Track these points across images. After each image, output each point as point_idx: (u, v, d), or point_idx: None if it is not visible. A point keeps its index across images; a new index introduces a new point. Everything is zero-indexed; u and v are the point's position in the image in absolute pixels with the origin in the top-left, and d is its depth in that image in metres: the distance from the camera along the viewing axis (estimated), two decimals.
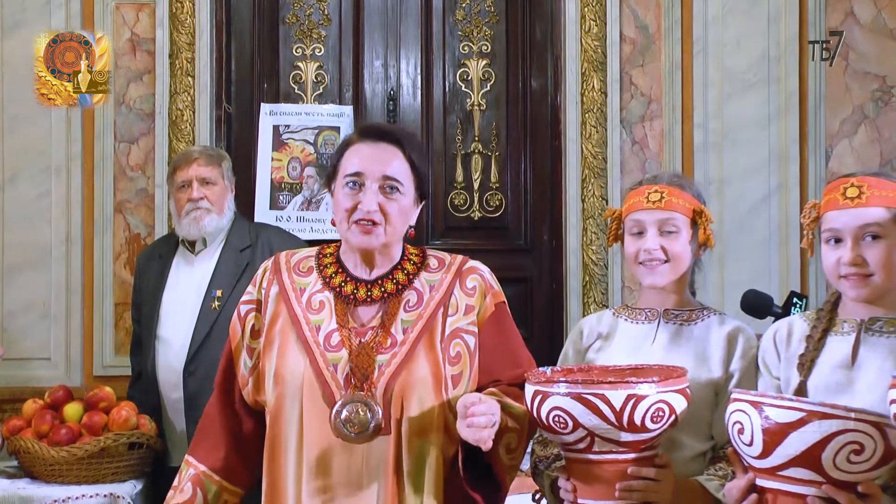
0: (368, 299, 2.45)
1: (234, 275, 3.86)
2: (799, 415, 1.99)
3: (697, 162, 4.53)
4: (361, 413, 2.32)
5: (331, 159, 2.54)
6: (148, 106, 4.55)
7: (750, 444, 2.05)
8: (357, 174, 2.42)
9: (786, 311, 3.11)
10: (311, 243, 4.13)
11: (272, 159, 4.69)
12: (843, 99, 4.51)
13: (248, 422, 2.56)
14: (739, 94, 4.54)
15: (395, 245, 2.49)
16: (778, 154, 4.53)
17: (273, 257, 2.58)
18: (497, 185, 4.74)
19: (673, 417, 2.25)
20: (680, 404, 2.26)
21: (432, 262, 2.51)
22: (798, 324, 2.41)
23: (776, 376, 2.40)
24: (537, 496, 2.57)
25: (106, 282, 4.50)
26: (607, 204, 4.47)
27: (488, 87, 4.75)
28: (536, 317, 4.68)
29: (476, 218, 4.72)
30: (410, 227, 2.51)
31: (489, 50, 4.76)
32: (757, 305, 3.16)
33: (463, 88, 4.76)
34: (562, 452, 2.35)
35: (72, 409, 3.70)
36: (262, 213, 4.63)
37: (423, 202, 2.55)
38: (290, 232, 4.26)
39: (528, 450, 2.54)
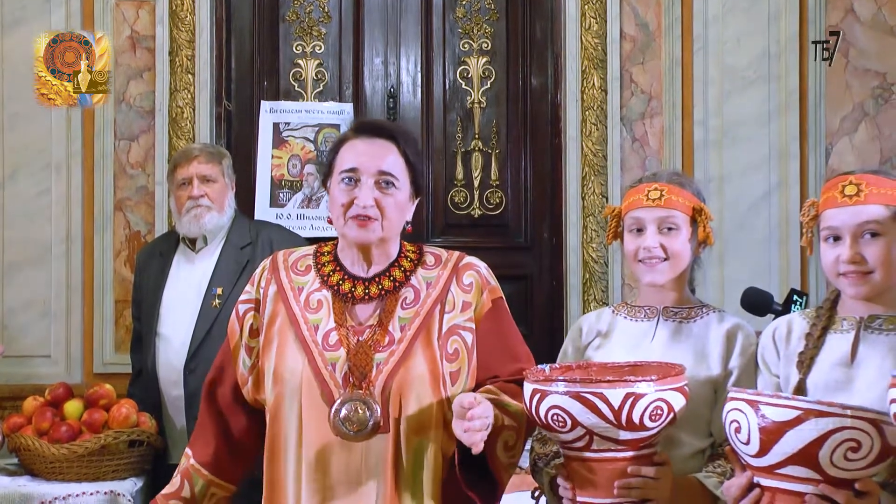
0: (366, 297, 2.45)
1: (234, 272, 3.86)
2: (795, 413, 1.99)
3: (697, 159, 4.53)
4: (360, 411, 2.33)
5: (326, 156, 2.55)
6: (148, 103, 4.55)
7: (747, 443, 2.05)
8: (352, 170, 2.42)
9: (786, 308, 3.11)
10: (311, 241, 4.13)
11: (272, 157, 4.69)
12: (843, 96, 4.50)
13: (239, 420, 2.57)
14: (740, 91, 4.54)
15: (391, 241, 2.49)
16: (778, 151, 4.53)
17: (271, 256, 2.59)
18: (497, 182, 4.74)
19: (671, 415, 2.25)
20: (678, 402, 2.26)
21: (429, 259, 2.52)
22: (797, 322, 2.41)
23: (775, 374, 2.40)
24: (536, 493, 2.57)
25: (106, 279, 4.50)
26: (607, 201, 4.47)
27: (488, 85, 4.75)
28: (536, 314, 4.68)
29: (476, 215, 4.72)
30: (407, 222, 2.52)
31: (489, 47, 4.76)
32: (757, 303, 3.16)
33: (463, 86, 4.76)
34: (560, 450, 2.35)
35: (72, 407, 3.70)
36: (263, 210, 4.63)
37: (420, 198, 2.55)
38: (291, 229, 4.26)
39: (528, 447, 2.55)
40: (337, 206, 2.44)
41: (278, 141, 4.69)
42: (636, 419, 2.19)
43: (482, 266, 2.53)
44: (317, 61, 4.75)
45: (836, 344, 2.31)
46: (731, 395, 2.12)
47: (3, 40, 4.51)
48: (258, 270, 2.57)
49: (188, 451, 2.62)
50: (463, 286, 2.47)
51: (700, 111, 4.55)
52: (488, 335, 2.46)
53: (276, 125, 4.69)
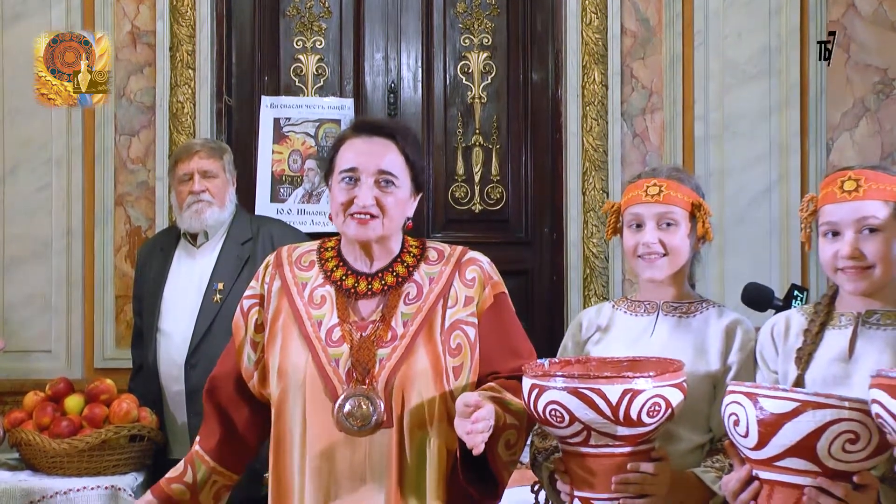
0: (369, 292, 2.46)
1: (235, 267, 3.86)
2: (793, 405, 1.99)
3: (698, 154, 4.53)
4: (363, 407, 2.34)
5: (327, 154, 2.56)
6: (148, 99, 4.55)
7: (746, 436, 2.06)
8: (352, 169, 2.44)
9: (787, 303, 3.11)
10: (312, 236, 4.15)
11: (273, 152, 4.69)
12: (844, 91, 4.50)
13: (242, 413, 2.59)
14: (740, 86, 4.54)
15: (393, 237, 2.50)
16: (779, 146, 4.52)
17: (275, 252, 2.60)
18: (498, 177, 4.74)
19: (669, 411, 2.25)
20: (676, 398, 2.26)
21: (432, 254, 2.52)
22: (795, 318, 2.41)
23: (774, 370, 2.40)
24: (535, 488, 2.57)
25: (107, 274, 4.51)
26: (608, 197, 4.47)
27: (489, 80, 4.75)
28: (537, 309, 4.68)
29: (477, 211, 4.72)
30: (408, 219, 2.53)
31: (490, 43, 4.75)
32: (758, 298, 3.16)
33: (464, 81, 4.75)
34: (559, 445, 2.36)
35: (73, 402, 3.71)
36: (263, 205, 4.63)
37: (420, 194, 2.56)
38: (291, 225, 4.26)
39: (528, 442, 2.55)
40: (337, 205, 2.45)
41: (279, 136, 4.69)
42: (634, 415, 2.19)
43: (485, 261, 2.54)
44: (317, 56, 4.75)
45: (834, 339, 2.31)
46: (729, 387, 2.13)
47: (3, 36, 4.51)
48: (262, 266, 2.58)
49: (198, 437, 2.66)
50: (465, 281, 2.48)
51: (701, 106, 4.55)
52: (490, 330, 2.46)
53: (276, 120, 4.69)
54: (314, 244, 2.60)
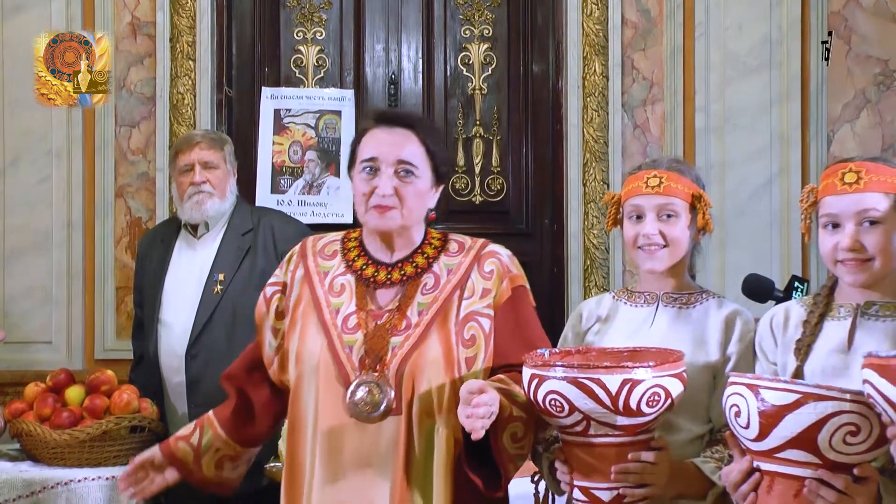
0: (388, 282, 2.49)
1: (236, 258, 3.86)
2: (794, 396, 1.99)
3: (699, 146, 4.53)
4: (374, 393, 2.37)
5: (350, 146, 2.58)
6: (148, 90, 4.55)
7: (747, 427, 2.06)
8: (372, 159, 2.46)
9: (787, 295, 3.11)
10: (312, 227, 4.15)
11: (273, 143, 4.69)
12: (844, 83, 4.49)
13: (259, 395, 2.65)
14: (741, 78, 4.54)
15: (414, 228, 2.52)
16: (779, 138, 4.52)
17: (301, 241, 2.65)
18: (498, 169, 4.74)
19: (669, 401, 2.25)
20: (676, 388, 2.26)
21: (452, 246, 2.54)
22: (795, 309, 2.41)
23: (773, 362, 2.40)
24: (536, 478, 2.58)
25: (107, 266, 4.51)
26: (608, 188, 4.47)
27: (490, 72, 4.75)
28: (537, 301, 4.58)
29: (477, 202, 4.72)
30: (430, 210, 2.55)
31: (490, 34, 4.75)
32: (758, 290, 3.17)
33: (464, 72, 4.75)
34: (559, 435, 2.36)
35: (73, 393, 3.70)
36: (264, 197, 4.63)
37: (442, 186, 2.58)
38: (292, 216, 4.26)
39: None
40: (358, 195, 2.49)
41: (279, 127, 4.69)
42: (633, 405, 2.20)
43: (505, 254, 2.55)
44: (318, 47, 4.75)
45: (833, 331, 2.31)
46: (731, 379, 2.13)
47: (3, 27, 4.51)
48: (288, 255, 2.63)
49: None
50: (483, 273, 2.49)
51: (701, 98, 4.55)
52: (505, 323, 2.47)
53: (276, 111, 4.69)
54: (339, 235, 2.63)
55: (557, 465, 2.35)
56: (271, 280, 2.63)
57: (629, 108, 4.57)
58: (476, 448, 2.32)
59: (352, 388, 2.38)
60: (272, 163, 4.68)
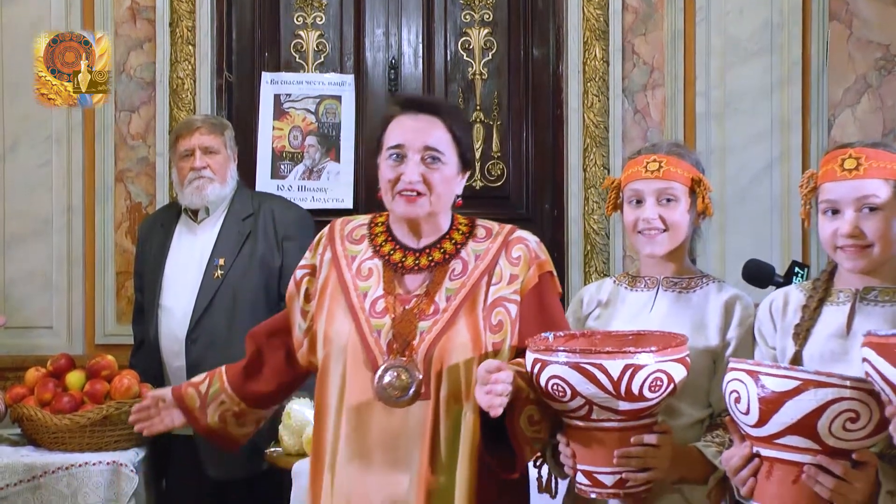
0: (416, 267, 2.50)
1: (236, 243, 3.87)
2: (795, 383, 1.99)
3: (699, 131, 4.52)
4: (403, 378, 2.39)
5: (376, 132, 2.59)
6: (148, 74, 4.54)
7: (747, 413, 2.06)
8: (398, 146, 2.47)
9: (787, 280, 3.11)
10: (312, 212, 4.15)
11: (273, 128, 4.68)
12: (846, 68, 4.48)
13: (274, 357, 2.70)
14: (742, 62, 4.52)
15: (441, 215, 2.53)
16: (780, 123, 4.51)
17: (329, 224, 2.66)
18: (498, 154, 4.73)
19: (672, 386, 2.25)
20: (679, 373, 2.26)
21: (480, 232, 2.55)
22: (794, 294, 2.42)
23: (772, 346, 2.41)
24: (538, 462, 2.58)
25: (107, 251, 4.51)
26: (609, 173, 4.46)
27: (490, 56, 4.73)
28: None
29: (477, 187, 4.71)
30: (457, 196, 2.56)
31: (491, 18, 4.73)
32: (758, 275, 3.17)
33: (464, 57, 4.74)
34: (562, 419, 2.36)
35: (74, 378, 3.71)
36: (264, 182, 4.63)
37: (469, 172, 2.58)
38: (292, 201, 4.25)
39: None
40: (385, 182, 2.49)
41: (279, 112, 4.68)
42: (635, 390, 2.20)
43: (532, 240, 2.55)
44: (318, 32, 4.74)
45: (832, 315, 2.31)
46: (731, 365, 2.13)
47: (2, 11, 4.49)
48: (317, 238, 2.65)
49: None
50: (511, 259, 2.50)
51: (702, 82, 4.54)
52: (530, 309, 2.48)
53: (276, 96, 4.68)
54: (366, 218, 2.65)
55: (561, 448, 2.35)
56: (301, 263, 2.65)
57: (630, 93, 4.56)
58: (493, 431, 2.34)
59: (380, 372, 2.40)
60: (272, 148, 4.67)
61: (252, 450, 3.66)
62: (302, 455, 3.50)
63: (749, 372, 2.06)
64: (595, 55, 4.53)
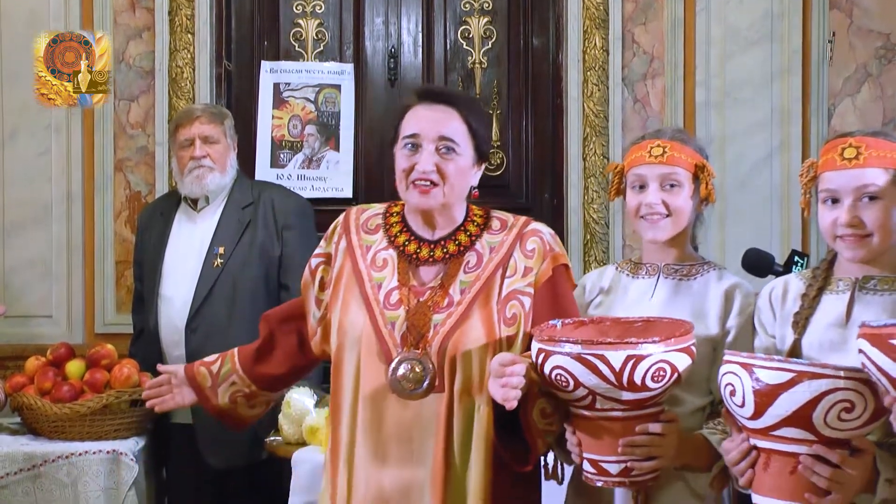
0: (430, 259, 2.50)
1: (236, 232, 3.87)
2: (789, 375, 2.00)
3: (699, 120, 4.51)
4: (417, 370, 2.39)
5: (392, 122, 2.59)
6: (147, 63, 4.53)
7: (742, 406, 2.06)
8: (413, 135, 2.47)
9: (787, 269, 3.11)
10: (312, 201, 4.15)
11: (273, 117, 4.68)
12: (846, 57, 4.48)
13: (287, 340, 2.71)
14: (742, 52, 4.52)
15: (455, 206, 2.52)
16: (780, 112, 4.51)
17: (344, 213, 2.65)
18: (498, 143, 4.72)
19: (675, 376, 2.24)
20: (683, 362, 2.25)
21: (495, 224, 2.54)
22: (794, 282, 2.42)
23: (771, 335, 2.41)
24: None
25: (107, 240, 4.51)
26: (608, 162, 4.46)
27: (489, 45, 4.72)
28: None
29: None
30: (473, 188, 2.55)
31: (490, 7, 4.72)
32: (758, 264, 3.17)
33: (464, 46, 4.73)
34: (568, 408, 2.36)
35: (74, 367, 3.72)
36: (263, 171, 4.63)
37: (485, 164, 2.58)
38: (292, 190, 4.25)
39: None
40: (399, 171, 2.49)
41: (278, 101, 4.68)
42: (638, 380, 2.19)
43: (547, 232, 2.54)
44: (317, 21, 4.73)
45: (832, 304, 2.31)
46: (725, 358, 2.13)
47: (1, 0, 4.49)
48: (332, 227, 2.64)
49: None
50: (525, 251, 2.49)
51: (702, 72, 4.53)
52: (544, 302, 2.47)
53: (276, 85, 4.68)
54: (382, 207, 2.63)
55: (567, 436, 2.35)
56: (317, 251, 2.65)
57: (629, 83, 4.56)
58: (507, 424, 2.34)
59: (394, 364, 2.40)
60: (272, 137, 4.67)
61: (252, 439, 3.67)
62: (301, 444, 3.51)
63: (743, 365, 2.06)
64: (595, 44, 4.52)
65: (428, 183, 2.44)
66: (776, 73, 4.51)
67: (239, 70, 4.72)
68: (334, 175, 4.66)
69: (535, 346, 2.31)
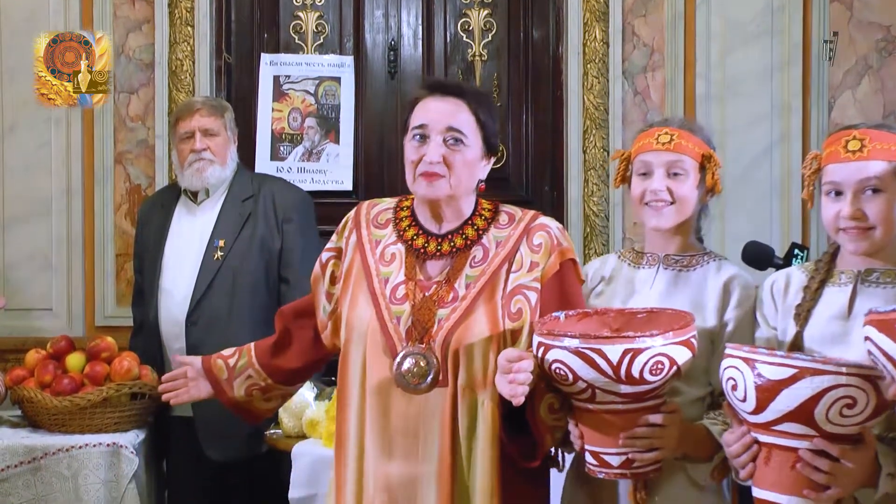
0: (437, 253, 2.50)
1: (236, 225, 3.87)
2: (791, 371, 1.99)
3: (699, 113, 4.51)
4: (421, 365, 2.39)
5: (403, 115, 2.59)
6: (147, 56, 4.53)
7: (743, 400, 2.06)
8: (421, 126, 2.47)
9: (787, 262, 3.11)
10: (312, 194, 4.14)
11: (273, 110, 4.67)
12: (846, 49, 4.47)
13: (302, 334, 2.71)
14: (742, 44, 4.51)
15: (463, 199, 2.52)
16: (780, 105, 4.51)
17: (356, 207, 2.66)
18: (499, 136, 4.71)
19: (675, 369, 2.24)
20: (682, 355, 2.24)
21: (503, 218, 2.54)
22: (796, 275, 2.41)
23: (773, 327, 2.40)
24: None
25: (107, 233, 4.51)
26: (609, 155, 4.45)
27: (489, 38, 4.72)
28: None
29: None
30: (481, 181, 2.55)
31: (490, 0, 4.72)
32: (758, 257, 3.17)
33: (464, 39, 4.73)
34: (571, 400, 2.36)
35: (74, 360, 3.72)
36: (263, 163, 4.62)
37: (494, 158, 2.58)
38: (292, 183, 4.25)
39: None
40: (408, 163, 2.49)
41: (278, 94, 4.67)
42: (636, 374, 2.19)
43: (554, 226, 2.53)
44: (317, 13, 4.72)
45: (834, 297, 2.30)
46: (727, 352, 2.13)
47: None
48: (343, 221, 2.64)
49: None
50: (532, 246, 2.48)
51: (702, 65, 4.53)
52: (551, 297, 2.46)
53: (276, 78, 4.67)
54: (393, 201, 2.63)
55: (570, 428, 2.35)
56: (328, 246, 2.65)
57: (630, 75, 4.56)
58: (514, 419, 2.34)
59: (398, 358, 2.41)
60: (272, 129, 4.67)
61: (252, 432, 3.67)
62: (301, 437, 3.51)
63: (745, 359, 2.06)
64: (595, 37, 4.52)
65: (434, 174, 2.44)
66: (776, 66, 4.51)
67: (239, 63, 4.71)
68: (334, 168, 4.66)
69: (535, 339, 2.31)
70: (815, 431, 2.01)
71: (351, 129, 4.67)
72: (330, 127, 4.67)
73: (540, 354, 2.27)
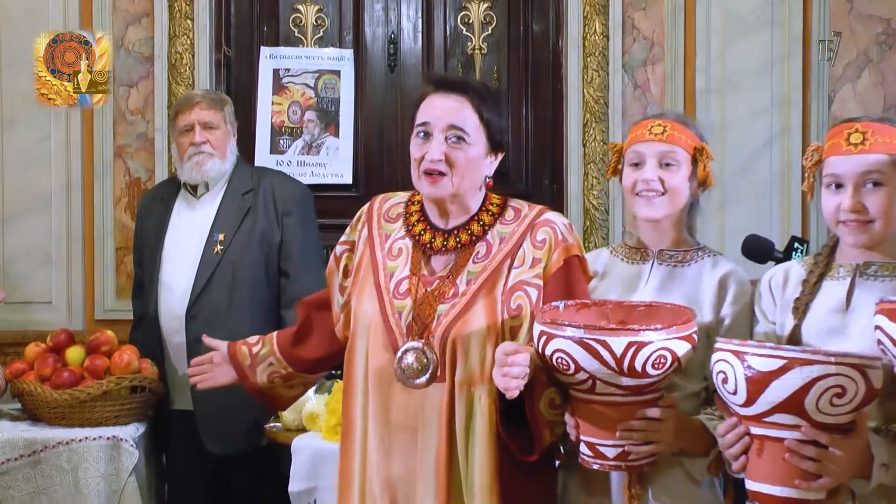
0: (443, 249, 2.51)
1: (236, 218, 3.86)
2: (780, 362, 2.00)
3: (699, 107, 4.51)
4: (421, 360, 2.41)
5: (406, 110, 2.58)
6: (147, 49, 4.52)
7: (734, 393, 2.07)
8: (424, 123, 2.47)
9: (787, 256, 3.11)
10: (311, 187, 4.14)
11: (272, 103, 4.67)
12: (847, 42, 4.47)
13: (323, 325, 2.73)
14: (742, 38, 4.51)
15: (468, 195, 2.51)
16: (780, 99, 4.51)
17: (370, 202, 2.67)
18: None
19: (676, 363, 2.24)
20: (683, 350, 2.25)
21: (509, 214, 2.53)
22: (795, 268, 2.41)
23: (772, 321, 2.40)
24: None
25: (106, 226, 4.51)
26: None
27: (489, 31, 4.72)
28: None
29: None
30: (487, 177, 2.54)
31: None
32: (758, 250, 3.17)
33: (464, 32, 4.72)
34: (568, 390, 2.36)
35: (74, 353, 3.72)
36: (263, 157, 4.62)
37: (501, 154, 2.56)
38: (292, 176, 4.24)
39: None
40: (412, 160, 2.50)
41: (278, 87, 4.67)
42: (638, 367, 2.20)
43: (560, 222, 2.51)
44: (317, 7, 4.71)
45: (832, 290, 2.31)
46: (717, 345, 2.14)
47: None
48: (357, 215, 2.66)
49: None
50: (536, 242, 2.47)
51: (702, 58, 4.53)
52: (554, 293, 2.45)
53: (275, 71, 4.67)
54: (405, 196, 2.64)
55: (567, 418, 2.35)
56: (342, 239, 2.66)
57: (629, 69, 4.55)
58: (514, 413, 2.34)
59: (399, 353, 2.42)
60: (271, 123, 4.67)
61: (252, 425, 3.67)
62: (301, 430, 3.51)
63: (735, 352, 2.07)
64: (595, 30, 4.52)
65: (437, 173, 2.44)
66: (776, 59, 4.51)
67: (238, 56, 4.71)
68: (334, 161, 4.65)
69: (536, 327, 2.31)
70: (806, 422, 2.02)
71: (351, 122, 4.66)
72: (330, 120, 4.67)
73: (542, 343, 2.27)
